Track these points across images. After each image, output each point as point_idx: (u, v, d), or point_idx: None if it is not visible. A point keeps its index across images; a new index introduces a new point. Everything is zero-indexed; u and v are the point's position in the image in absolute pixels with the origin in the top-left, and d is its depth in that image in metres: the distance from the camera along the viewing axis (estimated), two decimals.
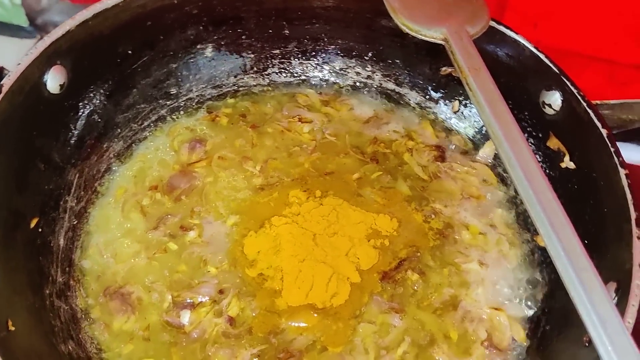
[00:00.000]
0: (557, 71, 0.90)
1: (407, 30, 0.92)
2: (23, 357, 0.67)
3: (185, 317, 0.83)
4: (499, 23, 0.96)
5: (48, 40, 0.83)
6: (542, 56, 0.92)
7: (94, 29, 0.89)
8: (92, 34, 0.89)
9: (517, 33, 0.95)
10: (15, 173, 0.81)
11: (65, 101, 0.88)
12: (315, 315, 0.84)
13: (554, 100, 0.91)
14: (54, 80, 0.85)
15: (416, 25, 0.92)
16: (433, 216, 0.95)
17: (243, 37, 1.06)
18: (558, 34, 1.26)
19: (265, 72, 1.10)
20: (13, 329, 0.68)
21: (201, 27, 1.02)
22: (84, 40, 0.88)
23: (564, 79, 0.88)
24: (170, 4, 0.97)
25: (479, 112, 0.85)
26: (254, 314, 0.84)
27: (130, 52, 0.96)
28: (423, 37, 0.92)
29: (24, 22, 1.46)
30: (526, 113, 0.96)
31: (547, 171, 0.93)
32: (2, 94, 0.77)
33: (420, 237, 0.93)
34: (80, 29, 0.86)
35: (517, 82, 0.95)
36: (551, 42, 1.18)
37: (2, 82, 0.78)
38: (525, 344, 0.85)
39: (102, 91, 0.95)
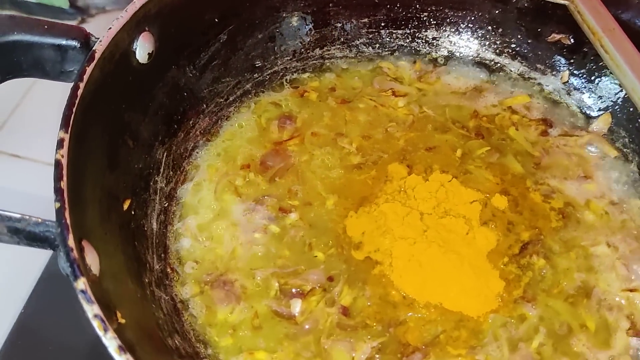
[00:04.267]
0: None
1: None
2: (138, 352, 0.59)
3: (297, 306, 0.75)
4: None
5: (138, 3, 0.76)
6: None
7: None
8: None
9: None
10: (107, 149, 0.73)
11: (153, 72, 0.81)
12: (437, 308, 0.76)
13: None
14: (142, 48, 0.77)
15: None
16: (553, 195, 0.86)
17: (330, 4, 0.98)
18: None
19: (353, 43, 1.02)
20: (123, 321, 0.60)
21: None
22: (172, 5, 0.80)
23: None
24: None
25: (617, 76, 0.76)
26: (368, 304, 0.76)
27: (216, 20, 0.89)
28: None
29: (64, 3, 1.40)
30: None
31: None
32: (95, 61, 0.69)
33: (541, 218, 0.84)
34: None
35: None
36: None
37: (94, 48, 0.70)
38: None
39: (187, 62, 0.87)
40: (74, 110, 0.65)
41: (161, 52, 0.80)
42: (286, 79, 0.98)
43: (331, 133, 0.92)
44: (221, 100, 0.92)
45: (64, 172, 0.60)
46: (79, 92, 0.66)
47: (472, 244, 0.80)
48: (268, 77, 0.97)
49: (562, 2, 0.83)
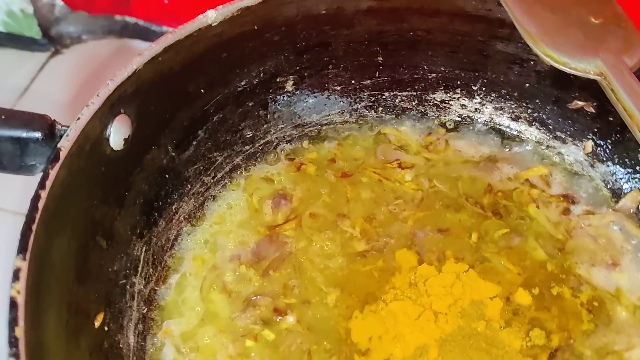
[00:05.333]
0: None
1: (552, 62, 0.74)
2: None
3: None
4: None
5: (112, 85, 0.66)
6: None
7: (164, 66, 0.71)
8: (161, 73, 0.71)
9: None
10: (75, 259, 0.63)
11: (129, 158, 0.71)
12: None
13: None
14: (117, 133, 0.67)
15: (563, 56, 0.74)
16: (581, 287, 0.77)
17: (329, 66, 0.88)
18: None
19: (354, 107, 0.92)
20: None
21: (282, 57, 0.84)
22: (151, 81, 0.70)
23: None
24: (250, 31, 0.79)
25: None
26: None
27: (202, 90, 0.79)
28: (572, 71, 0.74)
29: (36, 33, 1.31)
30: None
31: None
32: (60, 161, 0.59)
33: (571, 318, 0.75)
34: (148, 67, 0.69)
35: None
36: None
37: (59, 145, 0.60)
38: None
39: (169, 140, 0.77)
40: (33, 228, 0.54)
41: (139, 133, 0.70)
42: (281, 149, 0.88)
43: (331, 214, 0.82)
44: (208, 178, 0.83)
45: (20, 314, 0.50)
46: (40, 203, 0.56)
47: (493, 353, 0.71)
48: (260, 148, 0.87)
49: (593, 77, 0.74)
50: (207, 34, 0.74)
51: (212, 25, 0.74)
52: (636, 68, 0.74)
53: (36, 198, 0.56)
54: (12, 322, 0.49)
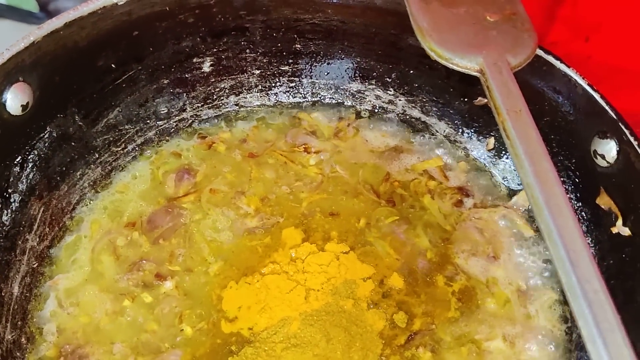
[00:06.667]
0: (615, 116, 0.74)
1: (436, 57, 0.77)
2: None
3: None
4: (547, 52, 0.80)
5: (7, 54, 0.71)
6: (597, 96, 0.76)
7: (67, 40, 0.76)
8: (64, 46, 0.76)
9: (568, 66, 0.79)
10: None
11: (31, 123, 0.76)
12: None
13: (607, 150, 0.75)
14: (15, 99, 0.73)
15: (447, 52, 0.77)
16: (457, 277, 0.80)
17: (247, 50, 0.92)
18: (613, 49, 1.08)
19: (272, 91, 0.96)
20: None
21: (198, 39, 0.89)
22: (54, 53, 0.75)
23: (622, 127, 0.72)
24: (162, 12, 0.83)
25: (515, 165, 0.69)
26: None
27: (113, 65, 0.83)
28: (454, 67, 0.77)
29: (33, 7, 1.36)
30: (573, 161, 0.80)
31: (595, 235, 0.77)
32: None
33: (439, 305, 0.78)
34: (48, 40, 0.74)
35: (565, 124, 0.80)
36: (605, 58, 1.03)
37: None
38: None
39: (77, 110, 0.82)
40: None
41: (43, 101, 0.76)
42: (195, 127, 0.93)
43: (231, 191, 0.87)
44: (118, 149, 0.88)
45: None
46: None
47: (352, 331, 0.75)
48: (175, 124, 0.92)
49: (473, 73, 0.76)
50: (114, 12, 0.79)
51: (119, 4, 0.79)
52: (519, 67, 0.76)
53: None
54: None
